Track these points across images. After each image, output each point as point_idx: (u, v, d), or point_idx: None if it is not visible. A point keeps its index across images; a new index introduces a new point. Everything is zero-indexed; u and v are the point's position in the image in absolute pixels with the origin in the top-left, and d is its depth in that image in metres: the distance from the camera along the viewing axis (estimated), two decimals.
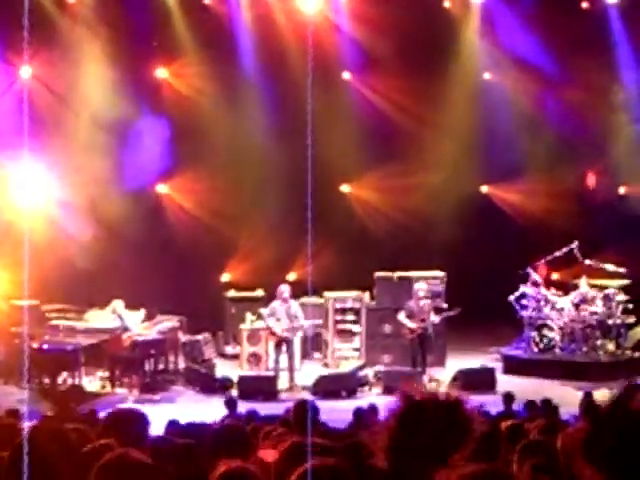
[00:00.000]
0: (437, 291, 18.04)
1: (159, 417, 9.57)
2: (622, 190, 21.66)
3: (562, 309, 17.67)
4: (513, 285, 18.01)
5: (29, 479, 3.67)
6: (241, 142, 20.02)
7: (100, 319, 16.65)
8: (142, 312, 16.91)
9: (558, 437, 5.23)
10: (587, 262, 17.95)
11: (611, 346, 17.61)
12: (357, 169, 20.93)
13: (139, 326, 16.51)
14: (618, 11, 20.90)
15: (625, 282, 18.05)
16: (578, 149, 20.77)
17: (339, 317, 18.11)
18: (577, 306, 17.64)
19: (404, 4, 19.45)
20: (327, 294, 18.19)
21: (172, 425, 8.94)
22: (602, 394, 13.81)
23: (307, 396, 14.91)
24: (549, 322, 17.69)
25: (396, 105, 20.93)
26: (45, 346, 15.65)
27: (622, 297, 17.76)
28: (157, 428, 8.51)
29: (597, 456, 2.69)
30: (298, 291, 17.10)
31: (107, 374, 16.15)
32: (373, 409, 11.03)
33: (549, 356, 17.60)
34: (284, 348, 16.62)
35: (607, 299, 17.63)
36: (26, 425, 5.47)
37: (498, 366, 17.44)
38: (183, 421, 8.99)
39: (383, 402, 12.47)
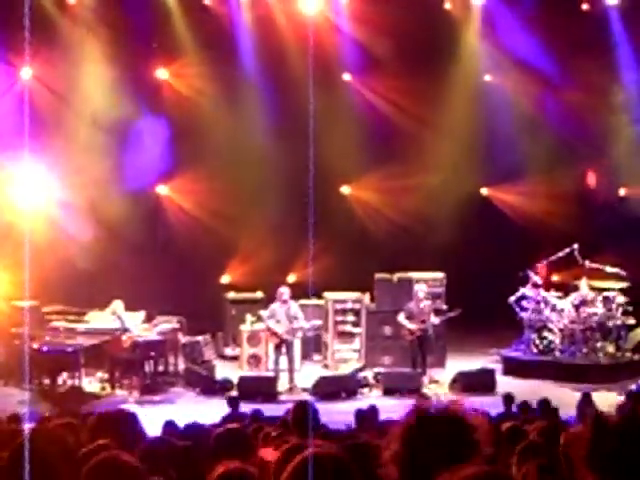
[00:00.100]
0: (437, 292, 18.02)
1: (159, 418, 9.60)
2: (622, 191, 21.67)
3: (562, 311, 17.64)
4: (513, 287, 17.98)
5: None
6: (241, 143, 20.01)
7: (100, 320, 16.62)
8: (142, 313, 16.90)
9: (559, 439, 5.22)
10: (587, 264, 17.93)
11: (611, 348, 17.59)
12: (357, 170, 20.92)
13: (139, 327, 16.48)
14: (618, 12, 20.90)
15: (625, 284, 18.03)
16: (578, 150, 20.77)
17: (339, 318, 18.06)
18: (577, 308, 17.60)
19: (405, 5, 19.43)
20: (327, 295, 18.18)
21: (169, 426, 8.91)
22: (601, 396, 13.82)
23: (307, 397, 14.91)
24: (549, 324, 17.67)
25: (396, 106, 20.94)
26: (45, 347, 15.64)
27: (622, 299, 17.73)
28: (157, 429, 8.54)
29: (601, 464, 2.69)
30: (298, 292, 17.10)
31: (107, 375, 16.14)
32: (373, 410, 11.01)
33: (549, 358, 17.57)
34: (284, 349, 16.63)
35: (607, 301, 17.60)
36: (27, 427, 5.47)
37: (498, 367, 17.41)
38: (183, 422, 8.97)
39: (383, 404, 12.51)
